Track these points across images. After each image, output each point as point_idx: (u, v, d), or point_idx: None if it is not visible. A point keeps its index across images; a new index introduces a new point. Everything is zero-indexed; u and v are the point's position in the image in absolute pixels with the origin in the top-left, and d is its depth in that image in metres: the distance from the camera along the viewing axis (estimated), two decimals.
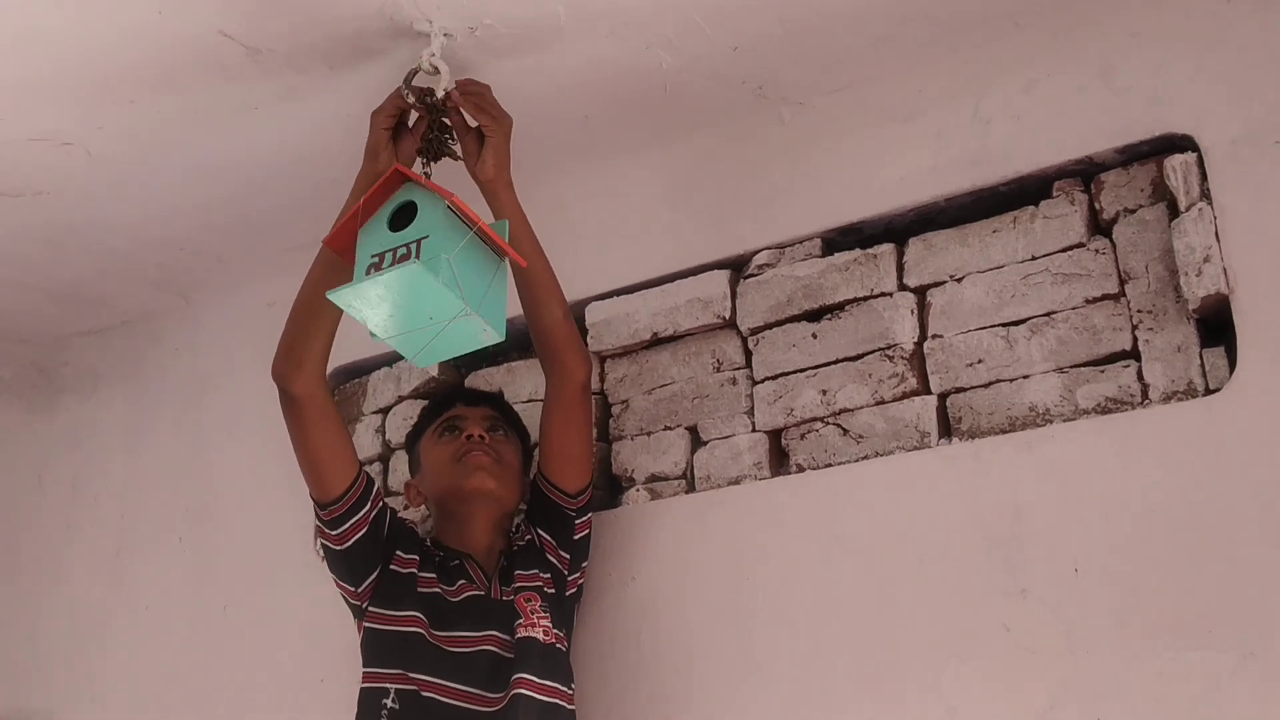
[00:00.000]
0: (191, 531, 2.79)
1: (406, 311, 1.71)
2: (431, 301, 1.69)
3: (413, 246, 1.69)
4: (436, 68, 1.90)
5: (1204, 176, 1.86)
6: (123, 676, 2.76)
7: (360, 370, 2.67)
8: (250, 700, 2.55)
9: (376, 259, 1.69)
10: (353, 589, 2.02)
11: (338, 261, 1.81)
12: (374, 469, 2.56)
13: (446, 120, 1.93)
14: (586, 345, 2.26)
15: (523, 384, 2.45)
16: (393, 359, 2.59)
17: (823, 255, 2.18)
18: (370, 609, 2.01)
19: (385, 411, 2.60)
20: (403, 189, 1.76)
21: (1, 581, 3.01)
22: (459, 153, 1.95)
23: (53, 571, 2.97)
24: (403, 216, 1.74)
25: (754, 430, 2.17)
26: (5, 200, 2.41)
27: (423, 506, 2.24)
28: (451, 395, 2.31)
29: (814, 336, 2.15)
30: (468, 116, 1.92)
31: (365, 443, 2.60)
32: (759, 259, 2.22)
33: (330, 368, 2.59)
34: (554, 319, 2.05)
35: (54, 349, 3.11)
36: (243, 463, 2.75)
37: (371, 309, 1.70)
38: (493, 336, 1.75)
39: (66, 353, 3.11)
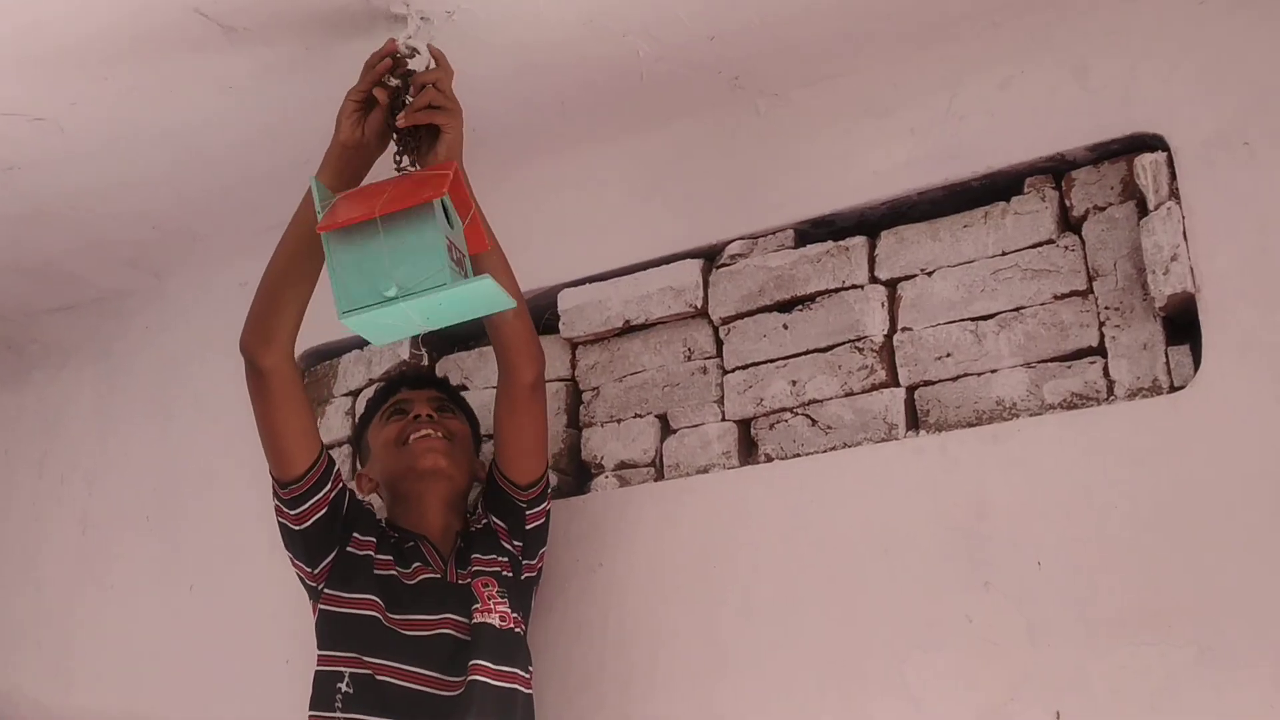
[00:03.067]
0: (159, 510, 2.78)
1: (432, 308, 1.69)
2: (444, 313, 1.70)
3: (465, 258, 1.72)
4: (414, 50, 1.89)
5: (1173, 176, 1.87)
6: (90, 654, 2.76)
7: (330, 353, 2.66)
8: (216, 679, 2.55)
9: (449, 243, 1.68)
10: (309, 569, 2.01)
11: (312, 236, 1.76)
12: (344, 451, 2.56)
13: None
14: (538, 340, 2.16)
15: (494, 369, 2.43)
16: (364, 342, 2.58)
17: (795, 246, 2.19)
18: (326, 590, 2.00)
19: (355, 394, 2.59)
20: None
21: None
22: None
23: (20, 549, 2.95)
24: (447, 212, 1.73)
25: (723, 419, 2.19)
26: None
27: (375, 494, 2.23)
28: (397, 382, 2.30)
29: (785, 327, 2.16)
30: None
31: (335, 425, 2.59)
32: (732, 249, 2.23)
33: (300, 350, 2.62)
34: (504, 318, 2.02)
35: (23, 325, 3.08)
36: (212, 443, 2.73)
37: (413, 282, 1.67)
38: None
39: (36, 329, 3.09)
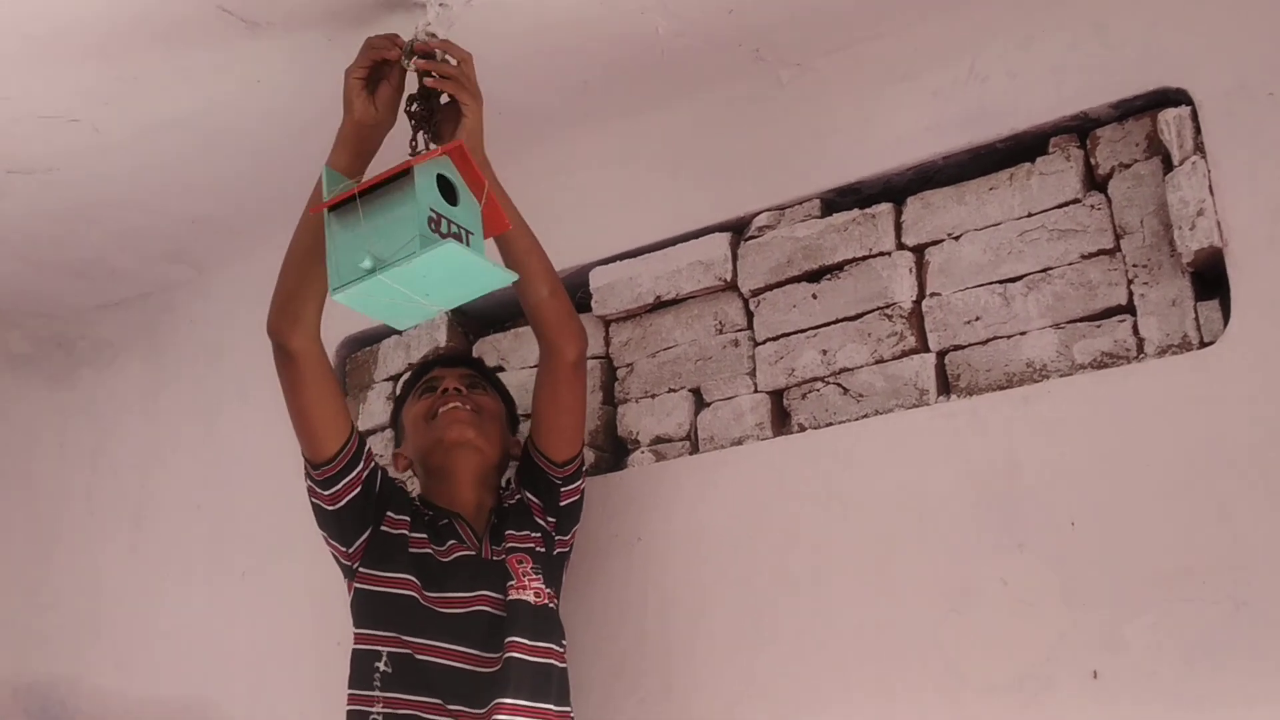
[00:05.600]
0: (209, 498, 2.83)
1: (418, 279, 1.67)
2: (440, 288, 1.69)
3: (465, 234, 1.70)
4: (434, 34, 1.91)
5: (1198, 130, 1.86)
6: (145, 642, 2.82)
7: (370, 339, 2.70)
8: (269, 663, 2.60)
9: (435, 216, 1.65)
10: (344, 549, 2.04)
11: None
12: (385, 435, 2.59)
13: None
14: (578, 318, 2.17)
15: (530, 349, 2.46)
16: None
17: (822, 216, 2.19)
18: (361, 569, 2.02)
19: (395, 379, 2.62)
20: (443, 159, 1.73)
21: (26, 550, 3.05)
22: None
23: (75, 540, 3.02)
24: (445, 188, 1.72)
25: (756, 391, 2.20)
26: (18, 177, 2.44)
27: (408, 472, 2.26)
28: (431, 363, 2.33)
29: (814, 297, 2.17)
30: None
31: (376, 410, 2.63)
32: (759, 221, 2.24)
33: (340, 337, 2.68)
34: (540, 298, 2.04)
35: (72, 322, 3.15)
36: (257, 429, 2.78)
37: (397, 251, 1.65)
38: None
39: (84, 326, 3.15)
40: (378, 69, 1.87)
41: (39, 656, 2.94)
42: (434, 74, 1.85)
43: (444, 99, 1.88)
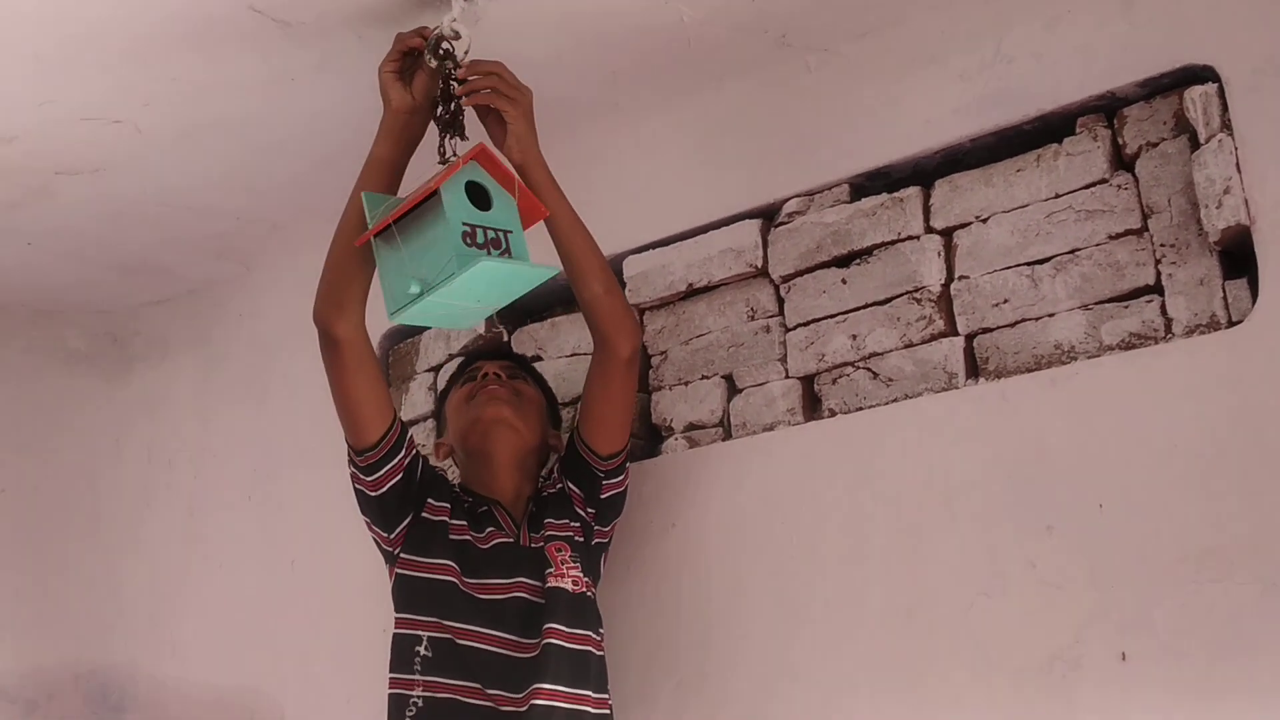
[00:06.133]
0: (260, 490, 2.90)
1: (464, 292, 1.74)
2: (488, 294, 1.77)
3: (503, 236, 1.75)
4: (458, 33, 1.93)
5: (1225, 108, 1.84)
6: (200, 630, 2.89)
7: (412, 331, 2.74)
8: (318, 650, 2.66)
9: (469, 229, 1.72)
10: (386, 534, 2.08)
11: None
12: (426, 426, 2.63)
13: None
14: (633, 314, 2.22)
15: (566, 338, 2.50)
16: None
17: (851, 201, 2.19)
18: (402, 555, 2.06)
19: (436, 370, 2.67)
20: (468, 167, 1.78)
21: (85, 543, 3.14)
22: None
23: (132, 532, 3.10)
24: (476, 194, 1.78)
25: (787, 377, 2.21)
26: (66, 178, 2.51)
27: (449, 460, 2.29)
28: (474, 355, 2.37)
29: (843, 282, 2.17)
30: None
31: (418, 400, 2.67)
32: (789, 207, 2.25)
33: (383, 329, 2.71)
34: (593, 294, 2.06)
35: (126, 319, 3.23)
36: (307, 422, 2.82)
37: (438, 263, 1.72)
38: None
39: (137, 322, 3.23)
40: (409, 60, 1.92)
41: (98, 644, 3.03)
42: (467, 90, 1.89)
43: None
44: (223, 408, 3.04)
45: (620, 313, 2.10)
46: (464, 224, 1.71)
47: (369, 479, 2.04)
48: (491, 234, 1.74)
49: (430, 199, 1.73)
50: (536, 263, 1.81)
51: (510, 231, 1.78)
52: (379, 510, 2.07)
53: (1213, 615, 1.72)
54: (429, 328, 2.68)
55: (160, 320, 3.19)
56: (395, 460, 2.04)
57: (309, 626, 2.71)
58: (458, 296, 1.73)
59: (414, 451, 2.09)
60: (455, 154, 1.87)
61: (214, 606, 2.88)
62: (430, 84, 1.92)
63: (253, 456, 2.93)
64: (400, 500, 2.06)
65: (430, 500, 2.09)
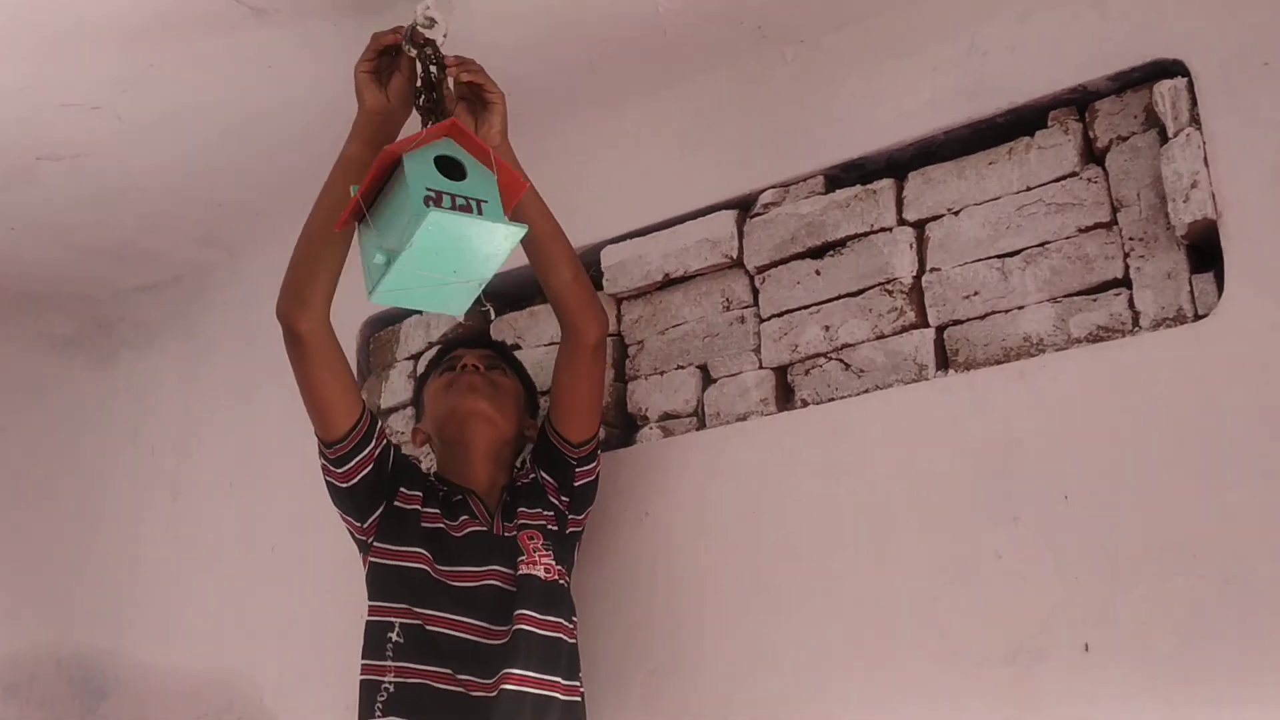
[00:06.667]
0: (243, 477, 2.91)
1: (433, 257, 1.70)
2: (459, 259, 1.71)
3: (476, 204, 1.71)
4: (432, 20, 1.94)
5: (1194, 102, 1.84)
6: (179, 614, 2.90)
7: (392, 319, 2.75)
8: (298, 636, 2.67)
9: (434, 194, 1.67)
10: (359, 524, 2.09)
11: (341, 202, 1.84)
12: (406, 413, 2.64)
13: (442, 78, 1.92)
14: (600, 301, 2.21)
15: (545, 327, 2.50)
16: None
17: (826, 192, 2.20)
18: (375, 544, 2.07)
19: (416, 357, 2.67)
20: (441, 143, 1.77)
21: (67, 527, 3.15)
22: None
23: (114, 516, 3.11)
24: (449, 166, 1.75)
25: (761, 367, 2.22)
26: (48, 164, 2.52)
27: (426, 447, 2.30)
28: (454, 343, 2.38)
29: (817, 273, 2.18)
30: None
31: (398, 388, 2.68)
32: (764, 198, 2.25)
33: (361, 319, 2.73)
34: (562, 281, 2.08)
35: (111, 305, 3.23)
36: (290, 410, 2.77)
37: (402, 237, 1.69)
38: (459, 310, 1.81)
39: (123, 308, 3.23)
40: (385, 60, 1.92)
41: (81, 628, 3.04)
42: (456, 64, 1.89)
43: (451, 84, 1.92)
44: (207, 394, 3.05)
45: (587, 299, 2.11)
46: (428, 189, 1.67)
47: (339, 471, 2.05)
48: (462, 200, 1.70)
49: (396, 172, 1.72)
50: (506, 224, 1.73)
51: (486, 201, 1.74)
52: (350, 501, 2.08)
53: (1175, 607, 1.73)
54: (408, 314, 2.70)
55: (146, 306, 3.20)
56: (365, 452, 2.05)
57: (289, 612, 2.71)
58: (424, 263, 1.69)
59: (385, 442, 2.09)
60: None
61: (196, 591, 2.89)
62: (406, 86, 1.91)
63: (236, 443, 2.94)
64: (371, 491, 2.07)
65: (402, 489, 2.10)
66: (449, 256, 1.71)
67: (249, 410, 2.95)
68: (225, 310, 3.08)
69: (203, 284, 3.12)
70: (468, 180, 1.76)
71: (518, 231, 1.73)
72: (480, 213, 1.72)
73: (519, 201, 1.86)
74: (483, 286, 1.79)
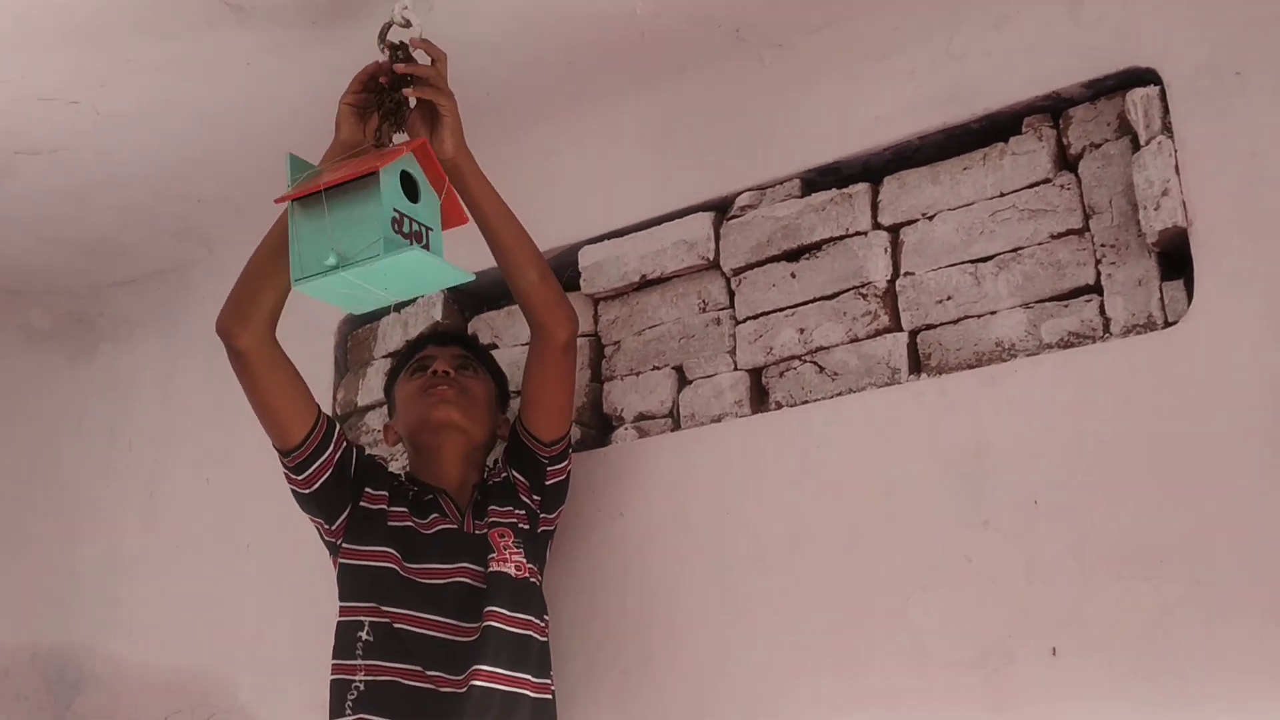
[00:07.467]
0: (219, 473, 2.90)
1: (379, 276, 1.74)
2: (398, 284, 1.78)
3: (425, 232, 1.77)
4: (408, 20, 1.94)
5: (1166, 110, 1.86)
6: (155, 609, 2.89)
7: (370, 317, 2.75)
8: (273, 632, 2.67)
9: (398, 215, 1.72)
10: (328, 526, 2.09)
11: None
12: (383, 411, 2.64)
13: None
14: (568, 301, 2.19)
15: (523, 327, 2.47)
16: (399, 306, 2.66)
17: (802, 196, 2.21)
18: (344, 545, 2.08)
19: (393, 355, 2.67)
20: (407, 157, 1.79)
21: (44, 522, 3.13)
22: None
23: (91, 511, 3.10)
24: (408, 184, 1.79)
25: (736, 369, 2.22)
26: (25, 158, 2.52)
27: (397, 445, 2.30)
28: (424, 338, 2.38)
29: (792, 276, 2.19)
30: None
31: (375, 386, 2.67)
32: (741, 200, 2.26)
33: (340, 317, 2.73)
34: (529, 282, 2.08)
35: (90, 299, 3.22)
36: None
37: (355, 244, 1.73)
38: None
39: (102, 302, 3.22)
40: (369, 96, 1.94)
41: (57, 624, 3.03)
42: (411, 79, 1.89)
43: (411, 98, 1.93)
44: (184, 390, 3.04)
45: (555, 299, 2.11)
46: (395, 210, 1.71)
47: (299, 478, 2.06)
48: (415, 226, 1.75)
49: (366, 177, 1.73)
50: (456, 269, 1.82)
51: (431, 230, 1.80)
52: (315, 505, 2.09)
53: (1142, 612, 1.74)
54: (386, 312, 2.70)
55: (124, 301, 3.19)
56: (324, 457, 2.05)
57: (265, 608, 2.71)
58: (372, 280, 1.73)
59: (344, 445, 2.09)
60: (390, 141, 1.89)
61: (171, 587, 2.88)
62: (383, 130, 1.93)
63: (212, 439, 2.93)
64: (335, 494, 2.08)
65: (368, 490, 2.11)
66: (391, 279, 1.77)
67: (227, 406, 2.91)
68: (204, 305, 3.04)
69: (181, 279, 3.11)
70: (421, 203, 1.80)
71: (463, 277, 1.83)
72: (427, 242, 1.79)
73: (483, 213, 1.95)
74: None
